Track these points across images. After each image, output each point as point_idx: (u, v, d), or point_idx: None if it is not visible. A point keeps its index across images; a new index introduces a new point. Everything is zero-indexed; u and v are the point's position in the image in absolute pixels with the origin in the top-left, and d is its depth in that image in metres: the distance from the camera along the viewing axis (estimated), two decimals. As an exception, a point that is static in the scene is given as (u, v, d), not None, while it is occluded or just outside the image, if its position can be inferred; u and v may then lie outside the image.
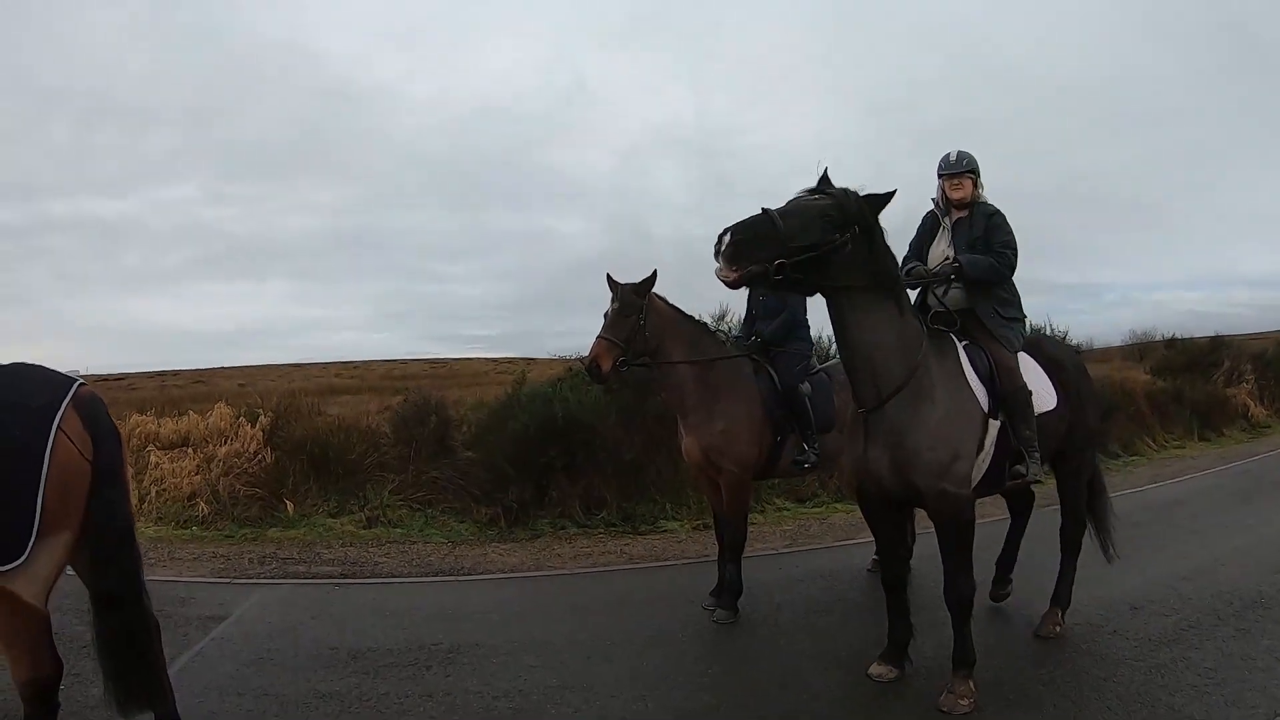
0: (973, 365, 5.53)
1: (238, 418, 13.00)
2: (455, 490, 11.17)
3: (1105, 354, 22.58)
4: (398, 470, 11.52)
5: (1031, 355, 6.06)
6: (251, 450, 12.01)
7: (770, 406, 7.01)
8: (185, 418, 13.63)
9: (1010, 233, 5.98)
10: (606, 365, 6.70)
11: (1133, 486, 12.37)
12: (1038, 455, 5.62)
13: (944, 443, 5.15)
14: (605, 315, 6.90)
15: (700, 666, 5.95)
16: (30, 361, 4.17)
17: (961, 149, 6.17)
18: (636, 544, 9.95)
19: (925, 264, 6.11)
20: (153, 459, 12.30)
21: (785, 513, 11.35)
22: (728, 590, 6.95)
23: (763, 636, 6.54)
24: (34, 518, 3.68)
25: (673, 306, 7.03)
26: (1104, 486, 6.89)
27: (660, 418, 11.00)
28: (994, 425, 5.46)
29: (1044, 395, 5.90)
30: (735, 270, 4.58)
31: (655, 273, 6.92)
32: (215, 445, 12.52)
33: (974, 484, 5.37)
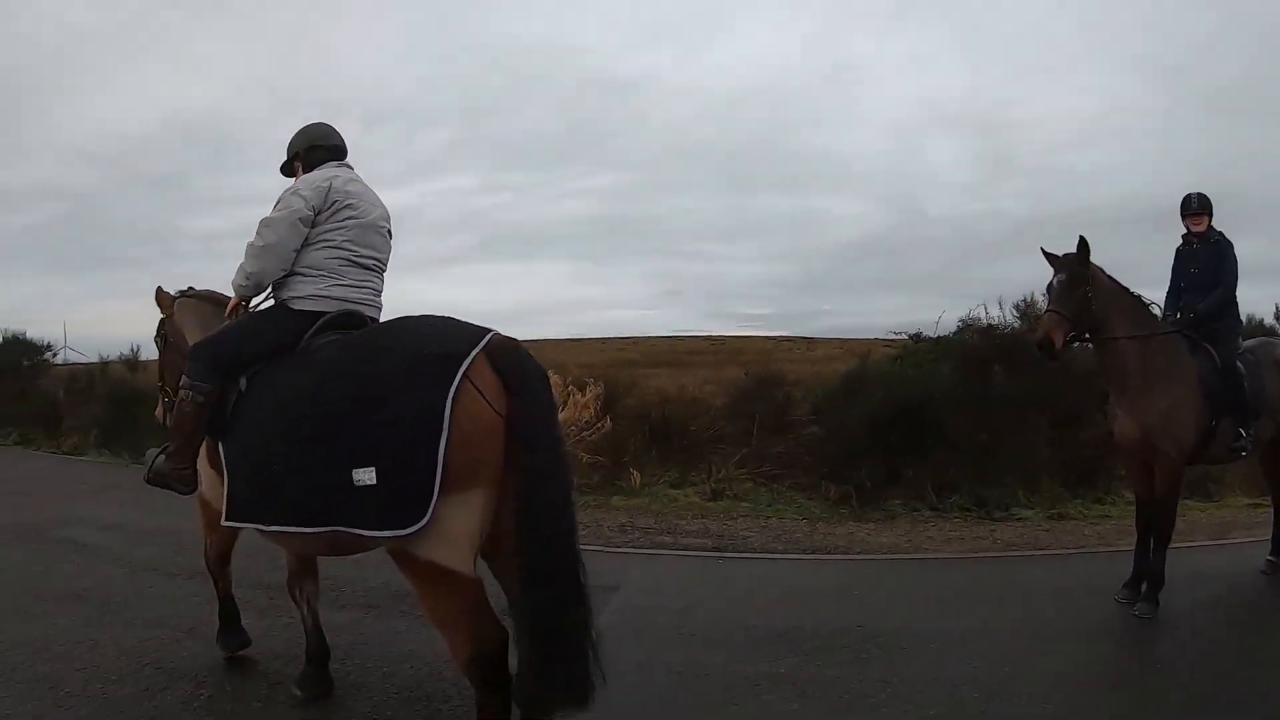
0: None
1: (567, 386, 12.97)
2: (802, 466, 10.72)
3: None
4: (736, 444, 11.19)
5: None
6: (586, 419, 11.92)
7: (1208, 387, 6.32)
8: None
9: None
10: (1059, 340, 6.14)
11: None
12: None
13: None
14: (1049, 289, 6.37)
15: (1137, 662, 5.47)
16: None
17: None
18: (1002, 530, 9.26)
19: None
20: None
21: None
22: (1151, 582, 6.24)
23: (1188, 633, 5.83)
24: (435, 476, 3.36)
25: (1111, 278, 6.36)
26: None
27: (1009, 400, 10.34)
28: None
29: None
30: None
31: (1084, 239, 6.22)
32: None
33: None
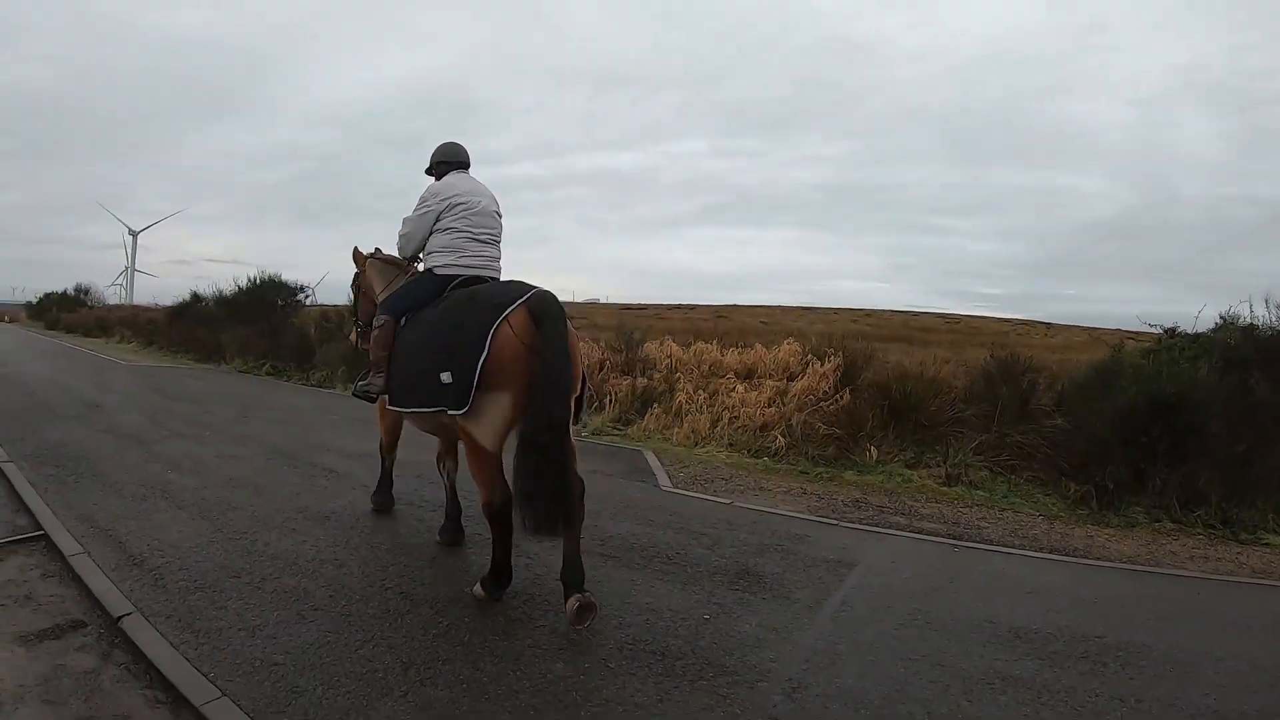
0: None
1: (805, 355, 12.94)
2: (1043, 459, 10.41)
3: None
4: (977, 429, 10.95)
5: None
6: (824, 390, 11.88)
7: None
8: (751, 350, 13.77)
9: None
10: None
11: None
12: None
13: None
14: None
15: None
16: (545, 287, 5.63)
17: None
18: (1248, 555, 8.71)
19: None
20: (726, 386, 12.49)
21: None
22: None
23: None
24: (474, 378, 5.27)
25: None
26: None
27: (1274, 409, 9.69)
28: None
29: None
30: None
31: None
32: (783, 380, 12.53)
33: None
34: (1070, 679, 5.01)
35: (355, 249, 7.55)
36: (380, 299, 6.75)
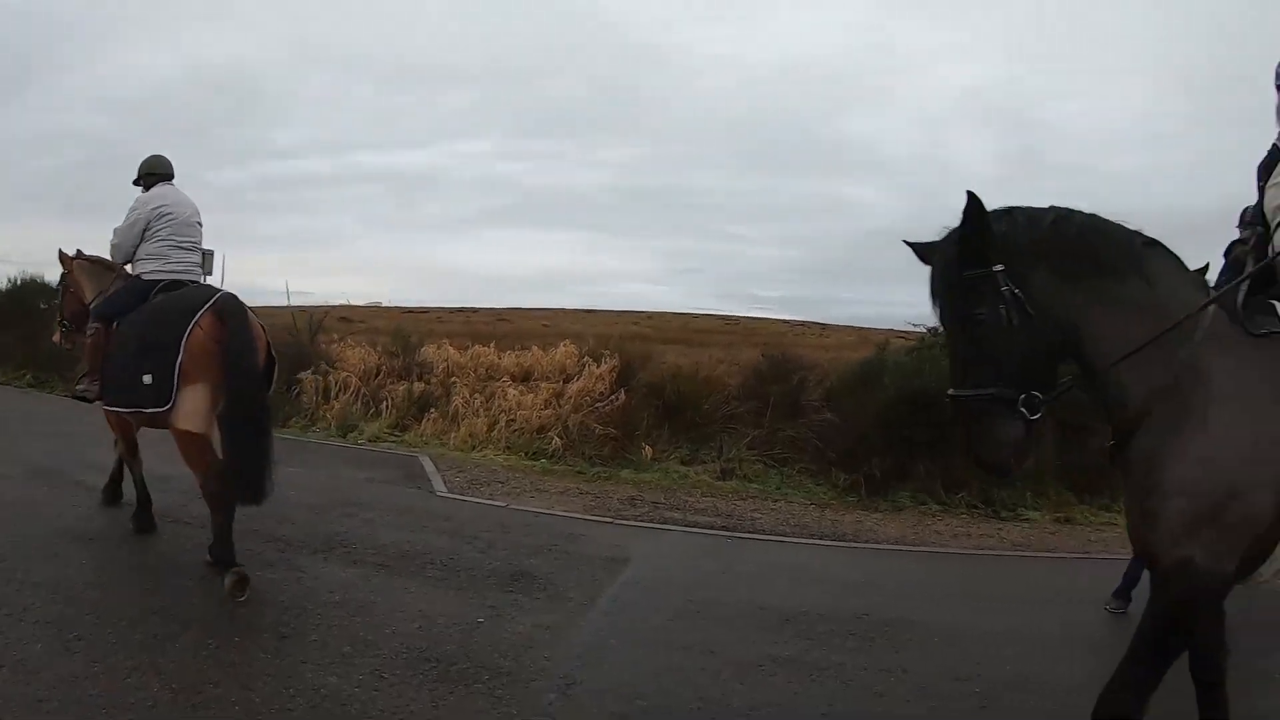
0: None
1: (582, 357, 12.97)
2: (813, 451, 10.69)
3: None
4: (749, 424, 11.17)
5: None
6: (600, 391, 11.92)
7: None
8: (529, 352, 13.75)
9: None
10: None
11: None
12: None
13: (1210, 490, 3.22)
14: None
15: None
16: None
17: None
18: (1009, 530, 9.23)
19: (1262, 208, 3.88)
20: (501, 389, 12.43)
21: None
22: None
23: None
24: (174, 377, 5.77)
25: None
26: None
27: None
28: None
29: None
30: None
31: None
32: (560, 382, 12.54)
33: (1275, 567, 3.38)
34: (839, 656, 5.11)
35: (60, 250, 7.78)
36: (92, 304, 7.07)
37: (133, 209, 6.73)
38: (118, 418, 6.84)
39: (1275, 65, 3.73)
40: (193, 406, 5.87)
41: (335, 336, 15.26)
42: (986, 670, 5.03)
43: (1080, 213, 3.43)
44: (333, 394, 13.23)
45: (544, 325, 29.22)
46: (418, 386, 13.10)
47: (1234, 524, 3.13)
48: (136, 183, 7.01)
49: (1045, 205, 3.43)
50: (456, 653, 4.86)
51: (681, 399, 11.38)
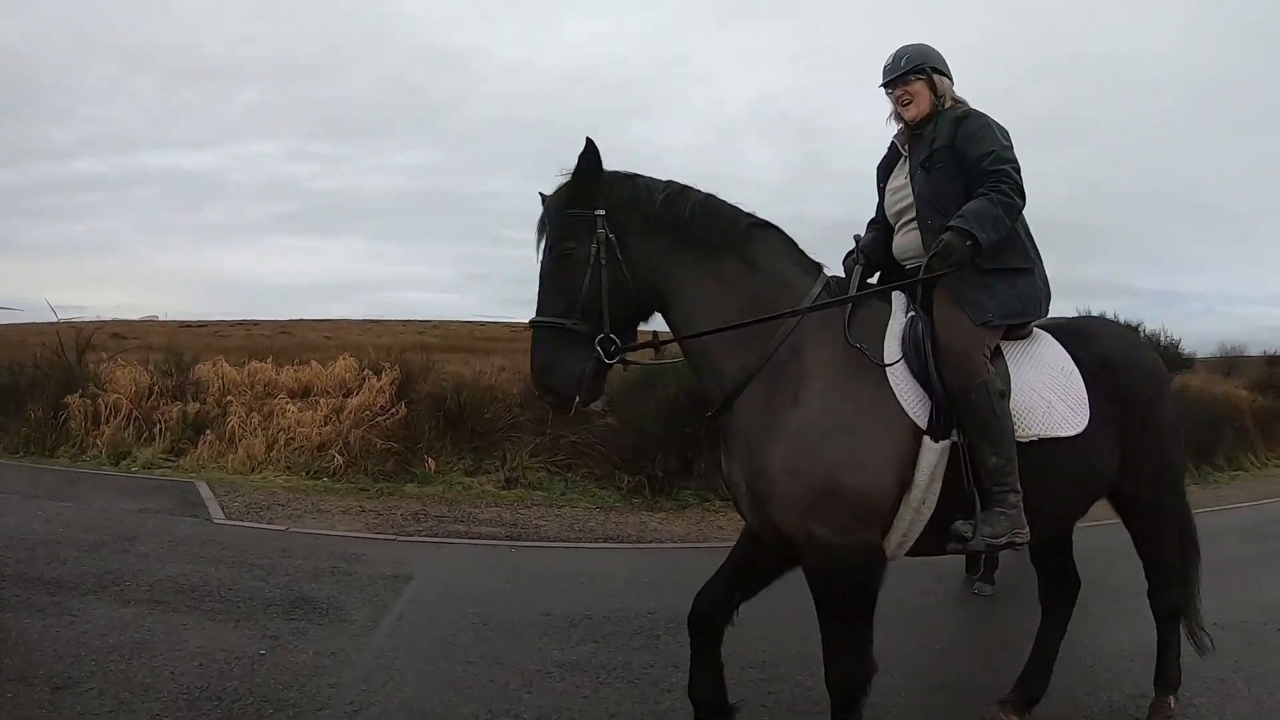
0: (914, 349, 3.63)
1: (362, 370, 12.82)
2: (596, 456, 10.86)
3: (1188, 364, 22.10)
4: (532, 432, 11.24)
5: (1066, 344, 4.00)
6: (380, 404, 11.81)
7: None
8: (308, 367, 13.50)
9: (998, 138, 3.89)
10: None
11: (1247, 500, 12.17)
12: (1012, 504, 3.52)
13: (812, 462, 3.44)
14: None
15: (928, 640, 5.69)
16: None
17: (909, 44, 4.49)
18: None
19: (883, 205, 4.29)
20: (280, 407, 12.16)
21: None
22: (989, 563, 6.93)
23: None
24: None
25: None
26: (1196, 549, 4.58)
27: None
28: (934, 448, 3.49)
29: (1059, 409, 3.78)
30: None
31: None
32: (340, 397, 12.36)
33: (896, 539, 3.60)
34: (625, 655, 5.26)
35: None
36: None
37: None
38: None
39: (883, 65, 4.12)
40: None
41: (106, 355, 14.58)
42: (770, 654, 5.26)
43: (697, 191, 3.66)
44: (103, 418, 12.69)
45: (326, 337, 28.62)
46: (192, 407, 12.66)
47: (846, 496, 3.40)
48: None
49: (686, 183, 3.68)
50: (239, 688, 4.74)
51: (463, 409, 11.35)
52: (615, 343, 3.48)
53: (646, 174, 3.64)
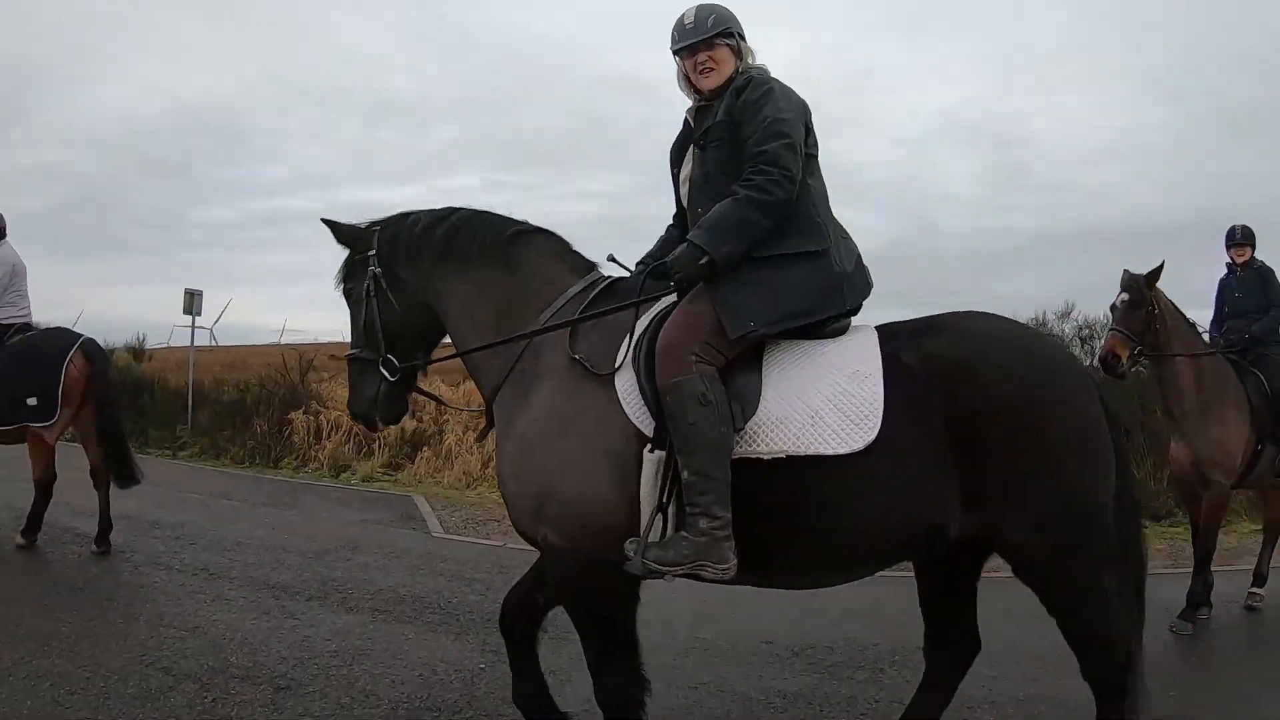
0: (641, 353, 3.40)
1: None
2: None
3: None
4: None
5: (897, 342, 3.43)
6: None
7: (1257, 413, 6.42)
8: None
9: (777, 108, 3.45)
10: (1124, 354, 6.40)
11: None
12: (702, 530, 3.07)
13: (534, 464, 3.41)
14: (1113, 307, 6.62)
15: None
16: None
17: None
18: None
19: (678, 195, 3.93)
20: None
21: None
22: (1191, 601, 6.36)
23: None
24: (58, 400, 7.61)
25: (1169, 301, 6.66)
26: (1141, 605, 3.74)
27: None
28: (650, 458, 3.23)
29: (830, 421, 3.19)
30: None
31: (1163, 263, 6.56)
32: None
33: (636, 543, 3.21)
34: (850, 689, 5.03)
35: None
36: None
37: None
38: None
39: (677, 25, 3.66)
40: (63, 423, 7.87)
41: (326, 375, 15.13)
42: (999, 694, 4.95)
43: (466, 211, 3.82)
44: (324, 434, 13.12)
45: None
46: (410, 424, 12.99)
47: (562, 502, 3.29)
48: None
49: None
50: (459, 701, 4.76)
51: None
52: (394, 364, 3.77)
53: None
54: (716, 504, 3.05)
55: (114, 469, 8.02)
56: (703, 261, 3.26)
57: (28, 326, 8.12)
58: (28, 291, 8.26)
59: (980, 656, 3.96)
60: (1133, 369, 6.74)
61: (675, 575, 3.17)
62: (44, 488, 8.08)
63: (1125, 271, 6.57)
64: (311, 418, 13.68)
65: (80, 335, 8.11)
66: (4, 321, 7.94)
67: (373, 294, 3.78)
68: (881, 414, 3.16)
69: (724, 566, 3.10)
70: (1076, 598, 3.42)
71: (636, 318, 3.44)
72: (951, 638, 3.88)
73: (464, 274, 3.72)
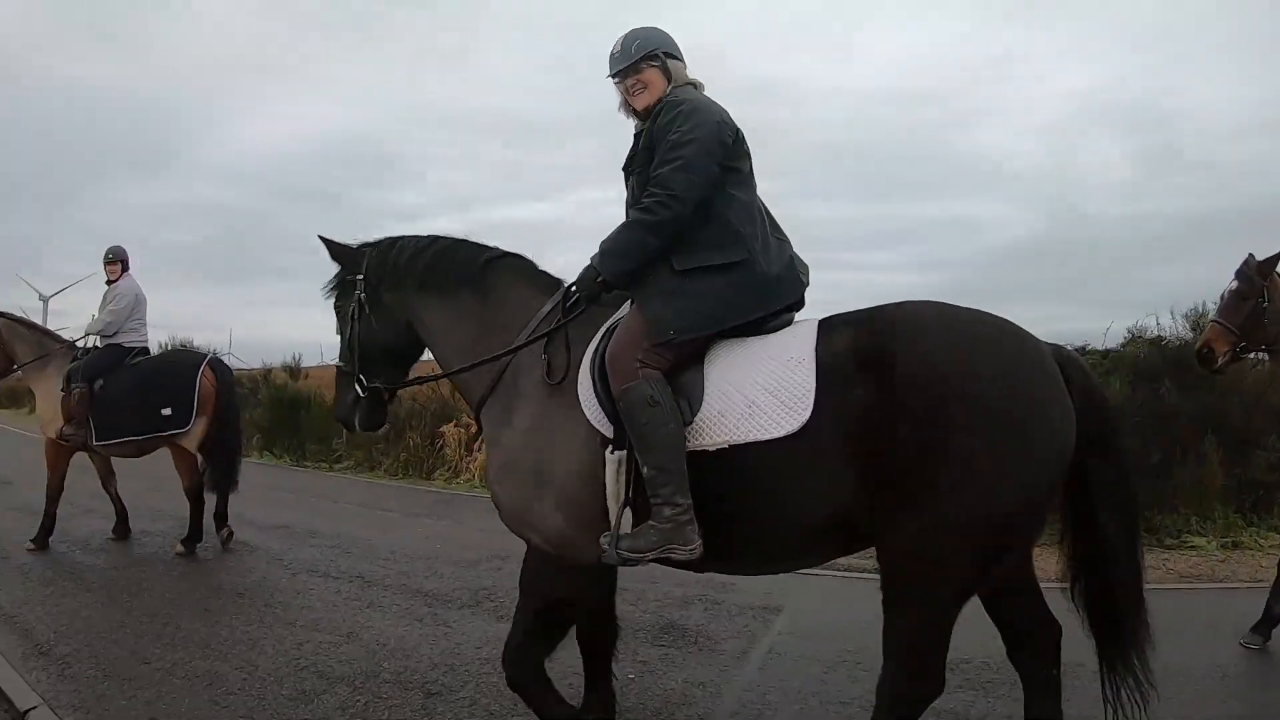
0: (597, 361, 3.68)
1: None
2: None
3: None
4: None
5: (834, 334, 3.44)
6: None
7: None
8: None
9: (679, 128, 3.64)
10: (1222, 349, 5.88)
11: None
12: (666, 518, 3.30)
13: (515, 473, 3.75)
14: (1222, 297, 6.04)
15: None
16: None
17: (638, 28, 3.95)
18: (1175, 559, 8.59)
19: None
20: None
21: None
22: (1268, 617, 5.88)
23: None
24: (193, 409, 8.65)
25: None
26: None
27: (1194, 417, 9.73)
28: (611, 459, 3.48)
29: (767, 408, 3.31)
30: None
31: None
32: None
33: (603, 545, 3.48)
34: (1007, 707, 4.85)
35: None
36: (22, 366, 9.31)
37: (122, 294, 9.07)
38: (54, 456, 9.12)
39: (610, 53, 3.96)
40: (197, 431, 8.80)
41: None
42: (1196, 712, 4.76)
43: (446, 240, 4.22)
44: (476, 446, 13.30)
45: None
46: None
47: (550, 505, 3.61)
48: (112, 266, 9.26)
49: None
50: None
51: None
52: (363, 382, 4.21)
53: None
54: (676, 493, 3.29)
55: (221, 474, 9.05)
56: (598, 280, 3.67)
57: (145, 350, 9.32)
58: (146, 319, 9.36)
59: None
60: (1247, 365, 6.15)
61: (647, 560, 3.41)
62: (195, 495, 8.98)
63: (1249, 256, 5.96)
64: (463, 430, 13.90)
65: (206, 353, 9.69)
66: (127, 344, 9.07)
67: (357, 317, 4.23)
68: (814, 397, 3.26)
69: (690, 547, 3.32)
70: (924, 608, 3.41)
71: (598, 332, 3.75)
72: (1024, 635, 3.86)
73: (444, 299, 4.11)
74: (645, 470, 3.34)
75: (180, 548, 8.73)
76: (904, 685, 3.43)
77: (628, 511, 3.46)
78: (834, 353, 3.35)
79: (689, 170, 3.54)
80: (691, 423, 3.39)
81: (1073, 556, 3.58)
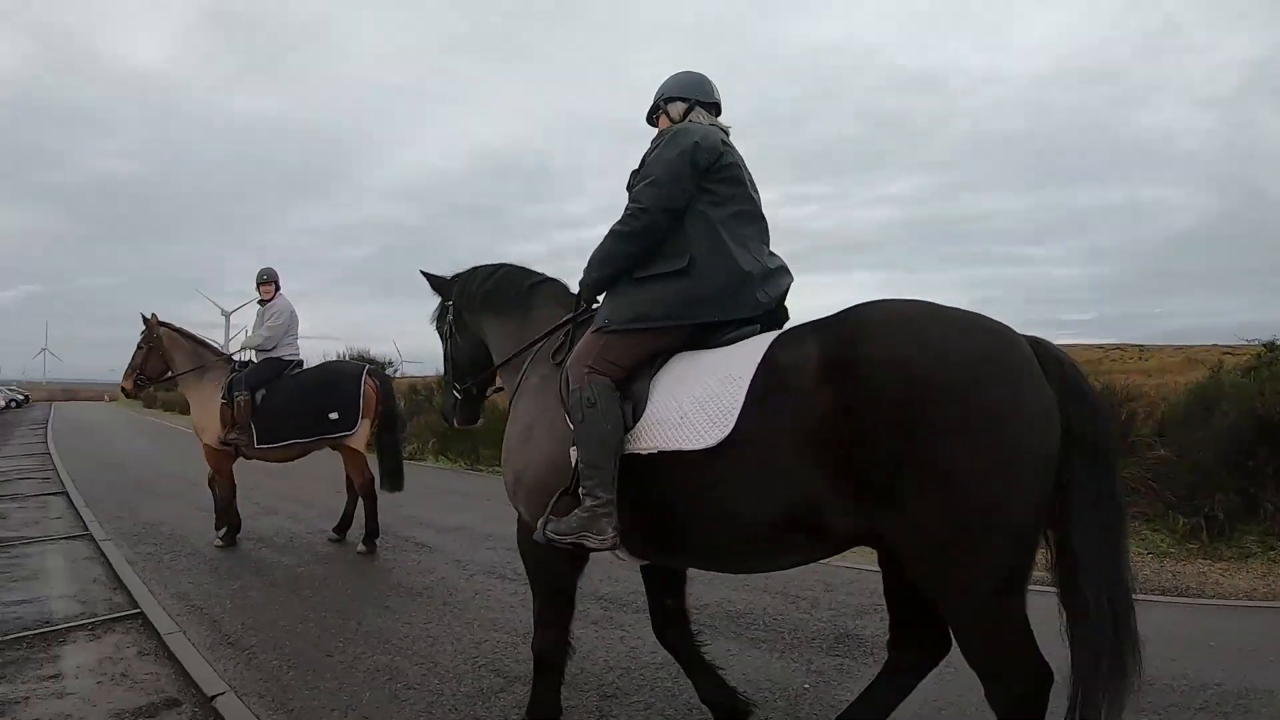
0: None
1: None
2: (1148, 492, 9.94)
3: None
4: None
5: (796, 342, 3.55)
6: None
7: None
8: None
9: (659, 154, 4.12)
10: None
11: None
12: (588, 507, 3.72)
13: (512, 457, 4.42)
14: None
15: None
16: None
17: (666, 79, 4.67)
18: None
19: None
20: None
21: None
22: None
23: None
24: (358, 413, 9.49)
25: None
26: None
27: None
28: (573, 451, 3.94)
29: (696, 421, 3.59)
30: None
31: None
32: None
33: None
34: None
35: (153, 316, 10.27)
36: (180, 374, 10.13)
37: (278, 312, 10.01)
38: (217, 460, 9.88)
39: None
40: (363, 433, 9.66)
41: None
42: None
43: (505, 268, 5.04)
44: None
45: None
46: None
47: (527, 488, 4.20)
48: (265, 286, 10.17)
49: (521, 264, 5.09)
50: None
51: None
52: (456, 387, 5.26)
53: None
54: (599, 487, 3.69)
55: (387, 474, 9.91)
56: (582, 283, 4.28)
57: (300, 363, 10.20)
58: (298, 334, 10.30)
59: None
60: None
61: (566, 543, 3.79)
62: (368, 494, 9.87)
63: None
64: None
65: (366, 363, 10.60)
66: (285, 358, 10.01)
67: (448, 336, 5.25)
68: (738, 414, 3.46)
69: (602, 538, 3.71)
70: (974, 613, 3.30)
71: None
72: (911, 637, 3.96)
73: (500, 319, 4.90)
74: (579, 464, 3.79)
75: (361, 547, 9.48)
76: (1000, 691, 3.35)
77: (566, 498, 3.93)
78: (786, 365, 3.46)
79: (657, 185, 3.99)
80: (633, 428, 3.78)
81: (1053, 561, 3.36)
